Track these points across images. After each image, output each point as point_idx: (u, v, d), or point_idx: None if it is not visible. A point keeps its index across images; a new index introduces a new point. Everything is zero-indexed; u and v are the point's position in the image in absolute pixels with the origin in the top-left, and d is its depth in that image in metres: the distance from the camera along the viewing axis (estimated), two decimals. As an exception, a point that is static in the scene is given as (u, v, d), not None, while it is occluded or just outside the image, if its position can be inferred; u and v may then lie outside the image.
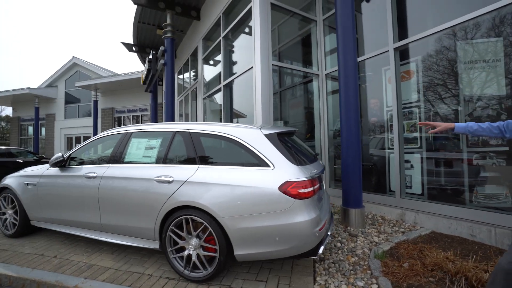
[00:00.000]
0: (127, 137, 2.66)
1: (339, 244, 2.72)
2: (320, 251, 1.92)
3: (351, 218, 3.23)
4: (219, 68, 5.88)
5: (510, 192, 2.83)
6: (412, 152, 3.70)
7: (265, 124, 3.89)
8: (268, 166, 1.97)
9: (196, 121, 7.57)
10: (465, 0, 3.13)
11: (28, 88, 15.09)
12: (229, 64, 5.75)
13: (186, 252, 2.10)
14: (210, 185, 2.02)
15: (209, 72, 6.86)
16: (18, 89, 15.17)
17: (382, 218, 3.59)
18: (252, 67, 4.21)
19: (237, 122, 5.38)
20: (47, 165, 2.94)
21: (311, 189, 1.91)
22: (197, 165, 2.19)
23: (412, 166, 3.72)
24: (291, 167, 1.94)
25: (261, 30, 4.00)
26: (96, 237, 2.56)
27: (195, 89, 7.60)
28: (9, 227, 3.10)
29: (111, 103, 16.58)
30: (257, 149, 2.05)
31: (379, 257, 2.39)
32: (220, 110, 5.87)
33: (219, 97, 5.93)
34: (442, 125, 1.71)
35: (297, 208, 1.83)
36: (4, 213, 3.17)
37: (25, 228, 3.04)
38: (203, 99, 6.87)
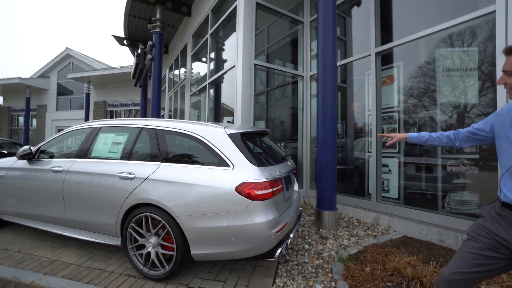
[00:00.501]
0: (96, 131, 2.64)
1: (307, 246, 2.73)
2: (277, 253, 1.93)
3: (324, 221, 3.24)
4: (206, 65, 5.85)
5: (481, 199, 2.87)
6: (392, 157, 3.72)
7: (243, 123, 3.89)
8: (228, 166, 1.97)
9: (183, 118, 7.54)
10: (447, 8, 3.14)
11: (19, 78, 14.91)
12: (215, 61, 5.73)
13: (145, 250, 2.10)
14: (170, 183, 2.01)
15: (197, 69, 6.83)
16: (9, 78, 14.99)
17: (358, 221, 3.61)
18: (234, 66, 4.20)
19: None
20: (15, 158, 2.91)
21: (270, 190, 1.91)
22: (159, 163, 2.18)
23: (390, 170, 3.75)
24: (251, 168, 1.94)
25: (244, 29, 3.98)
26: (61, 232, 2.54)
27: (184, 85, 7.57)
28: (-24, 220, 3.08)
29: (104, 96, 16.45)
30: (219, 148, 2.05)
31: (343, 260, 2.40)
32: (203, 107, 5.85)
33: (205, 95, 5.91)
34: (397, 136, 1.74)
35: (253, 209, 1.83)
36: (-28, 205, 3.14)
37: (-6, 221, 3.02)
38: (190, 95, 6.84)
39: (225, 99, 5.49)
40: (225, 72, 4.84)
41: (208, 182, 1.92)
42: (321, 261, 2.44)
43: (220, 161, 2.00)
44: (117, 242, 2.24)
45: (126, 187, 2.14)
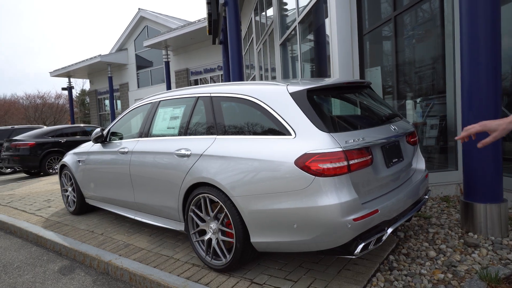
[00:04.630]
0: (155, 107, 3.54)
1: (433, 254, 2.74)
2: (358, 249, 2.13)
3: (477, 219, 3.05)
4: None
5: None
6: None
7: (342, 73, 4.05)
8: (289, 134, 2.31)
9: (275, 77, 8.19)
10: None
11: (100, 55, 19.87)
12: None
13: (207, 236, 2.79)
14: (224, 158, 2.56)
15: (288, 4, 7.20)
16: (91, 58, 20.27)
17: None
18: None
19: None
20: (91, 142, 4.30)
21: (343, 164, 2.13)
22: (215, 136, 2.78)
23: None
24: (317, 134, 2.20)
25: None
26: (133, 217, 3.66)
27: (272, 32, 8.15)
28: (71, 204, 4.78)
29: (184, 63, 19.56)
30: (278, 112, 2.41)
31: (488, 279, 2.31)
32: (297, 59, 6.20)
33: (297, 41, 6.25)
34: (499, 128, 1.60)
35: (318, 188, 2.11)
36: (66, 190, 4.88)
37: (83, 206, 4.60)
38: (280, 45, 7.35)
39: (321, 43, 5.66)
40: (315, 2, 5.01)
41: (264, 155, 2.34)
42: (450, 275, 2.43)
43: (280, 128, 2.37)
44: (180, 227, 3.06)
45: (184, 166, 2.87)
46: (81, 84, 41.76)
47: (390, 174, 2.55)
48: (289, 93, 2.44)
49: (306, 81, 2.72)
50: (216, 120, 2.84)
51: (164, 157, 3.11)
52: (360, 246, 2.16)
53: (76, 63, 21.58)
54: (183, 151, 2.92)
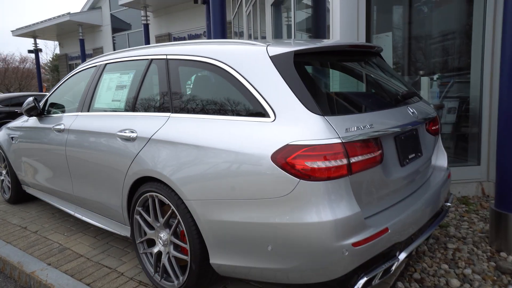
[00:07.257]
0: (99, 71, 2.93)
1: (456, 283, 2.27)
2: (358, 286, 1.64)
3: (511, 235, 2.63)
4: None
5: None
6: None
7: (344, 36, 3.52)
8: (266, 115, 1.76)
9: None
10: None
11: (69, 13, 18.73)
12: None
13: (156, 249, 2.25)
14: (179, 145, 2.01)
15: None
16: (59, 16, 19.12)
17: None
18: None
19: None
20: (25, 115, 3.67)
21: (342, 162, 1.57)
22: (168, 114, 2.22)
23: None
24: (307, 117, 1.64)
25: None
26: (72, 213, 3.11)
27: (264, -10, 7.47)
28: (6, 191, 4.18)
29: (166, 27, 18.61)
30: (253, 83, 1.84)
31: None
32: (292, 24, 5.61)
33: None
34: None
35: (306, 196, 1.57)
36: (0, 174, 4.28)
37: (19, 194, 4.00)
38: (271, 5, 6.73)
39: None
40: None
41: (230, 145, 1.79)
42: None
43: (254, 107, 1.82)
44: (126, 232, 2.52)
45: (129, 152, 2.31)
46: (53, 48, 39.97)
47: (405, 176, 2.02)
48: (269, 57, 1.86)
49: (294, 42, 2.14)
50: (171, 92, 2.27)
51: (105, 139, 2.54)
52: (362, 282, 1.64)
53: (42, 22, 20.29)
54: (127, 133, 2.36)
